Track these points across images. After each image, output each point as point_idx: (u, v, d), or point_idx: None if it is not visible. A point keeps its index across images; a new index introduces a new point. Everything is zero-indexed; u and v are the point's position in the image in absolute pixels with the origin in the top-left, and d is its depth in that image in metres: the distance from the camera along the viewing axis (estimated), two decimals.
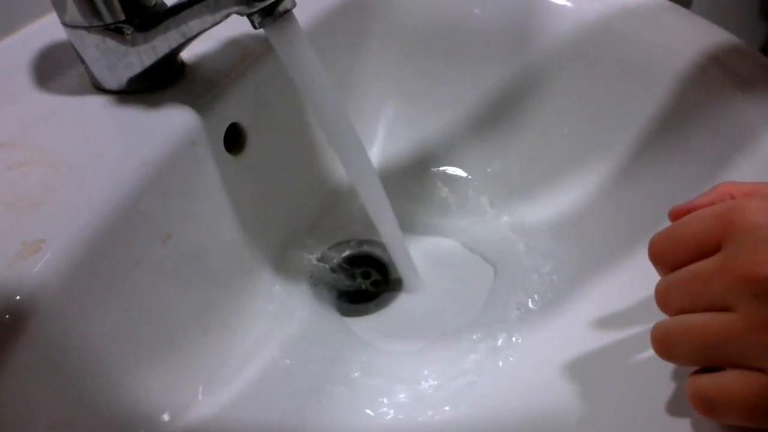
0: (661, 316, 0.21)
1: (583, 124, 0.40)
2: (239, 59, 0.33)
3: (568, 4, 0.40)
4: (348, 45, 0.42)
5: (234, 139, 0.33)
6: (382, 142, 0.45)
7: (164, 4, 0.29)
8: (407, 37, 0.43)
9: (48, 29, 0.33)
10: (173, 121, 0.28)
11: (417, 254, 0.39)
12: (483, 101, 0.43)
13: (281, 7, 0.24)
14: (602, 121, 0.39)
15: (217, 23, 0.25)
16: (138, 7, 0.27)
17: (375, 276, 0.40)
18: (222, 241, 0.33)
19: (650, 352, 0.21)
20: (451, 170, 0.44)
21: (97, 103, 0.29)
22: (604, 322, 0.31)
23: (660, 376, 0.24)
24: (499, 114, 0.43)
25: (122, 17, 0.27)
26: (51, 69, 0.31)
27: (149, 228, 0.27)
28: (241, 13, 0.24)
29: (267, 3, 0.24)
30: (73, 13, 0.27)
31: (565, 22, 0.40)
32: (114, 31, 0.27)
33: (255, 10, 0.24)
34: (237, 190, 0.33)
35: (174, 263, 0.29)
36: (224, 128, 0.31)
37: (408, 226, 0.41)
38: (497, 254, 0.39)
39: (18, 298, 0.21)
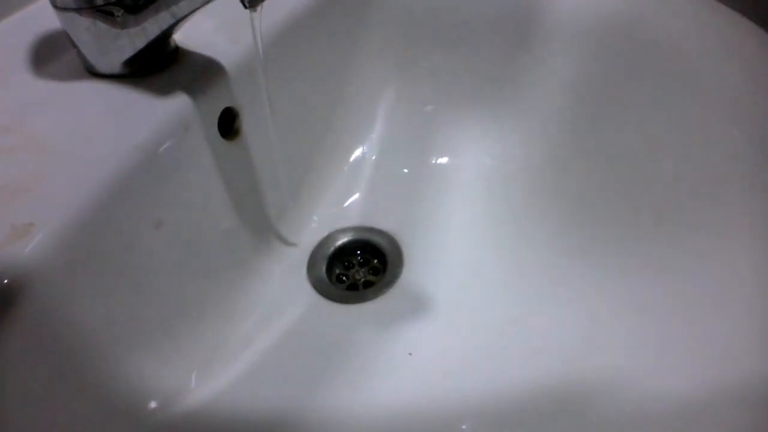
0: None
1: (588, 110, 0.39)
2: (232, 43, 0.32)
3: None
4: (348, 27, 0.41)
5: (229, 124, 0.33)
6: (383, 128, 0.44)
7: None
8: (408, 20, 0.43)
9: (40, 15, 0.32)
10: (165, 106, 0.28)
11: (414, 242, 0.38)
12: (483, 85, 0.43)
13: None
14: (608, 105, 0.38)
15: (207, 2, 0.25)
16: None
17: (373, 263, 0.40)
18: (217, 228, 0.33)
19: None
20: (450, 157, 0.43)
21: (89, 87, 0.29)
22: None
23: None
24: (501, 99, 0.42)
25: None
26: (44, 54, 0.31)
27: (141, 213, 0.27)
28: None
29: None
30: None
31: (566, 5, 0.39)
32: (105, 13, 0.27)
33: None
34: (232, 175, 0.33)
35: (167, 249, 0.28)
36: (218, 113, 0.31)
37: (402, 215, 0.41)
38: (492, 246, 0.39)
39: (6, 281, 0.20)
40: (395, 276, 0.38)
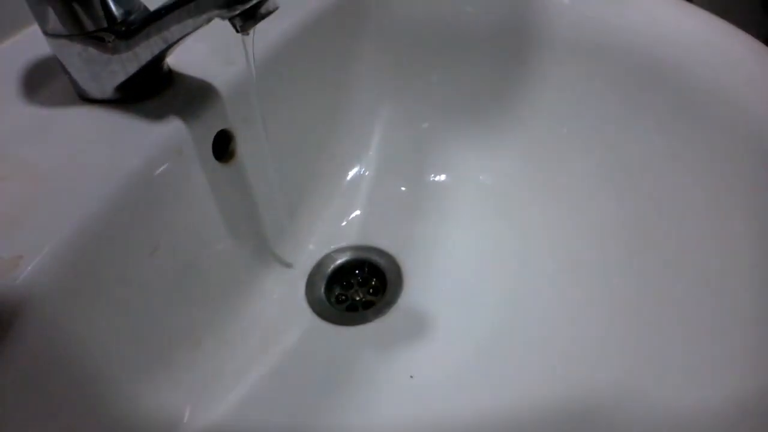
0: None
1: (584, 125, 0.39)
2: (226, 64, 0.32)
3: (565, 0, 0.39)
4: (341, 47, 0.41)
5: (224, 147, 0.32)
6: (378, 144, 0.44)
7: (147, 11, 0.28)
8: (401, 38, 0.43)
9: (31, 41, 0.32)
10: (158, 130, 0.28)
11: (413, 261, 0.38)
12: (479, 101, 0.43)
13: (263, 9, 0.23)
14: (605, 121, 0.38)
15: (198, 27, 0.25)
16: (119, 14, 0.26)
17: (373, 283, 0.39)
18: (213, 251, 0.32)
19: None
20: (447, 174, 0.43)
21: (81, 113, 0.29)
22: None
23: None
24: (499, 114, 0.42)
25: (104, 24, 0.26)
26: (35, 81, 0.31)
27: (135, 240, 0.26)
28: (222, 17, 0.24)
29: (248, 5, 0.23)
30: (54, 23, 0.26)
31: (562, 19, 0.39)
32: (95, 39, 0.26)
33: (236, 13, 0.23)
34: (228, 197, 0.32)
35: (163, 275, 0.28)
36: (212, 136, 0.31)
37: (400, 233, 0.40)
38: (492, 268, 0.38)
39: None
40: (395, 295, 0.37)
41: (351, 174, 0.43)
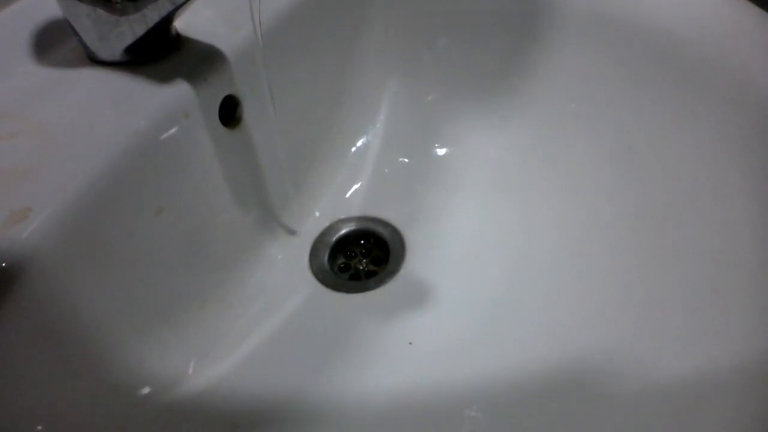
0: None
1: (593, 102, 0.39)
2: (233, 30, 0.32)
3: None
4: (349, 17, 0.41)
5: (230, 112, 0.33)
6: (385, 118, 0.44)
7: None
8: (410, 9, 0.42)
9: (43, 3, 0.32)
10: (165, 93, 0.28)
11: (417, 233, 0.38)
12: (488, 76, 0.42)
13: None
14: (613, 99, 0.37)
15: None
16: None
17: (376, 253, 0.39)
18: (218, 216, 0.33)
19: None
20: (454, 148, 0.43)
21: (90, 74, 0.29)
22: None
23: None
24: (507, 89, 0.42)
25: None
26: (46, 42, 0.31)
27: (140, 199, 0.27)
28: None
29: None
30: None
31: None
32: (105, 0, 0.27)
33: None
34: (233, 163, 0.33)
35: (168, 236, 0.29)
36: (219, 100, 0.31)
37: (405, 206, 0.40)
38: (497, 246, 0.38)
39: (4, 265, 0.21)
40: (397, 266, 0.38)
41: (357, 145, 0.43)
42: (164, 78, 0.29)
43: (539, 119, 0.41)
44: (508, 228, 0.39)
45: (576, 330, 0.30)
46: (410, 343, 0.32)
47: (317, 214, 0.40)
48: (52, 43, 0.31)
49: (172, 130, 0.28)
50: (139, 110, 0.27)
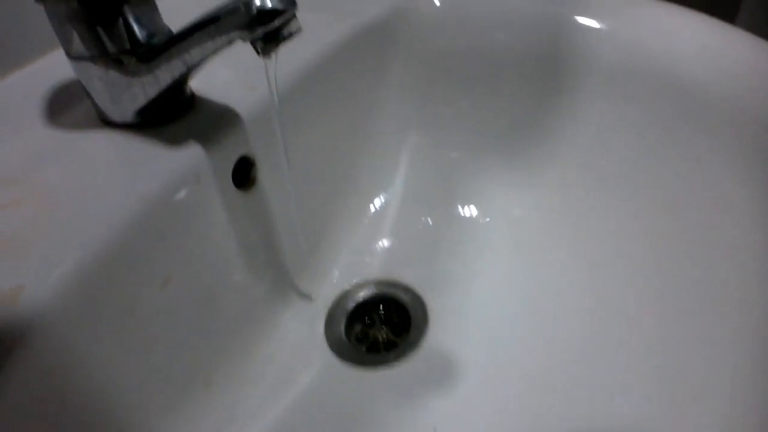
0: None
1: (621, 159, 0.36)
2: (249, 90, 0.31)
3: (603, 26, 0.37)
4: (368, 71, 0.40)
5: (245, 174, 0.31)
6: (405, 173, 0.42)
7: (170, 33, 0.28)
8: (430, 64, 0.41)
9: (57, 65, 0.32)
10: (177, 157, 0.27)
11: (439, 299, 0.36)
12: (510, 131, 0.41)
13: (285, 31, 0.22)
14: (642, 155, 0.35)
15: (219, 50, 0.24)
16: (143, 36, 0.26)
17: (396, 321, 0.37)
18: (228, 282, 0.31)
19: None
20: (477, 207, 0.41)
21: (101, 137, 0.28)
22: None
23: None
24: (528, 145, 0.40)
25: (126, 47, 0.26)
26: (59, 104, 0.30)
27: (146, 270, 0.25)
28: (243, 39, 0.23)
29: (270, 28, 0.22)
30: (77, 44, 0.26)
31: (601, 47, 0.37)
32: (117, 61, 0.26)
33: (257, 35, 0.22)
34: (246, 226, 0.31)
35: (173, 309, 0.26)
36: (232, 163, 0.29)
37: (426, 269, 0.38)
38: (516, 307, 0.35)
39: None
40: (419, 336, 0.35)
41: (376, 204, 0.41)
42: (176, 141, 0.27)
43: (567, 176, 0.39)
44: (537, 293, 0.36)
45: (616, 408, 0.27)
46: (435, 430, 0.28)
47: (333, 278, 0.38)
48: (66, 105, 0.30)
49: (183, 196, 0.26)
50: (149, 175, 0.26)
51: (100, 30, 0.25)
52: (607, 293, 0.34)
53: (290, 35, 0.22)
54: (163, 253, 0.26)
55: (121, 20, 0.25)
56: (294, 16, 0.22)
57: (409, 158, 0.42)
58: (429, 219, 0.41)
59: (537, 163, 0.40)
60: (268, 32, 0.22)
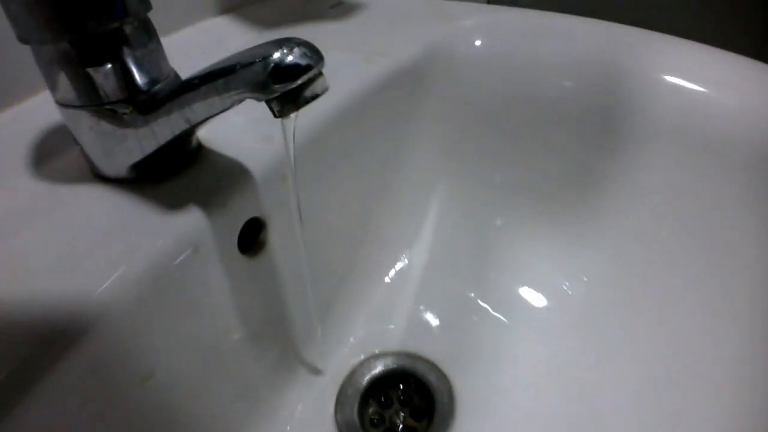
0: None
1: (681, 230, 0.32)
2: (263, 141, 0.27)
3: (674, 79, 0.32)
4: (398, 119, 0.36)
5: (252, 236, 0.27)
6: (432, 232, 0.38)
7: (177, 79, 0.24)
8: (466, 111, 0.37)
9: (47, 104, 0.29)
10: (174, 221, 0.23)
11: (468, 380, 0.31)
12: (554, 190, 0.36)
13: (309, 93, 0.18)
14: (706, 220, 0.31)
15: (226, 109, 0.20)
16: (144, 82, 0.22)
17: (417, 403, 0.32)
18: (226, 363, 0.26)
19: None
20: (513, 274, 0.36)
21: (89, 194, 0.24)
22: None
23: None
24: (577, 207, 0.36)
25: (122, 95, 0.22)
26: (47, 150, 0.27)
27: (123, 363, 0.21)
28: (258, 99, 0.19)
29: (289, 87, 0.18)
30: (66, 90, 0.22)
31: (666, 102, 0.33)
32: (111, 111, 0.22)
33: (274, 96, 0.18)
34: (250, 297, 0.27)
35: (154, 412, 0.22)
36: (239, 227, 0.26)
37: (454, 343, 0.34)
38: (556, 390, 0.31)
39: None
40: (445, 424, 0.30)
41: (398, 266, 0.37)
42: (176, 201, 0.24)
43: (619, 246, 0.34)
44: (579, 376, 0.31)
45: None
46: None
47: (346, 349, 0.34)
48: (54, 151, 0.27)
49: (176, 268, 0.22)
50: (139, 243, 0.22)
51: (92, 74, 0.21)
52: (658, 378, 0.29)
53: (314, 97, 0.19)
54: (145, 341, 0.22)
55: (118, 64, 0.22)
56: (320, 73, 0.19)
57: (437, 215, 0.38)
58: (458, 285, 0.36)
59: (584, 230, 0.35)
60: (287, 92, 0.18)
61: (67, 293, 0.19)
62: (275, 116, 0.19)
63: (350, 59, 0.35)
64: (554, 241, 0.36)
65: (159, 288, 0.22)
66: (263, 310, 0.28)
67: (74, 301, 0.19)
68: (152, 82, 0.23)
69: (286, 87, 0.18)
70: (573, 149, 0.35)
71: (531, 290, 0.35)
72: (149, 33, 0.23)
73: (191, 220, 0.23)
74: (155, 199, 0.24)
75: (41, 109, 0.28)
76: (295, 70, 0.18)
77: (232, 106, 0.20)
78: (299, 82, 0.18)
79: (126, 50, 0.22)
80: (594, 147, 0.35)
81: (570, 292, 0.34)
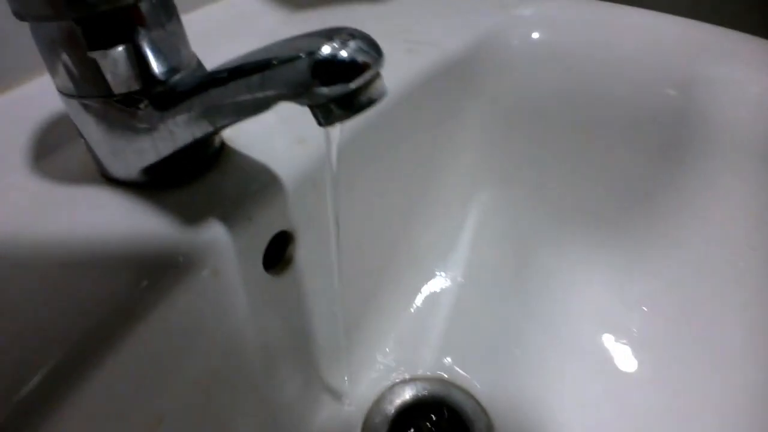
0: None
1: (755, 253, 0.28)
2: (296, 143, 0.24)
3: (760, 87, 0.28)
4: (441, 119, 0.33)
5: (278, 252, 0.24)
6: (470, 245, 0.35)
7: (200, 69, 0.20)
8: (518, 112, 0.34)
9: (50, 88, 0.25)
10: (190, 237, 0.19)
11: (505, 417, 0.28)
12: (612, 206, 0.33)
13: (364, 97, 0.15)
14: None
15: (260, 112, 0.16)
16: (161, 71, 0.19)
17: None
18: (246, 395, 0.23)
19: None
20: (560, 296, 0.33)
21: (92, 198, 0.21)
22: None
23: None
24: (633, 225, 0.32)
25: (135, 86, 0.18)
26: (48, 144, 0.23)
27: (129, 412, 0.18)
28: (300, 103, 0.15)
29: (341, 92, 0.14)
30: (68, 78, 0.18)
31: (750, 113, 0.28)
32: (121, 103, 0.19)
33: (320, 98, 0.15)
34: (272, 320, 0.24)
35: None
36: (265, 244, 0.22)
37: (493, 370, 0.30)
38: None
39: None
40: None
41: (432, 282, 0.33)
42: (193, 212, 0.20)
43: (683, 270, 0.30)
44: (632, 417, 0.28)
45: None
46: None
47: (375, 372, 0.30)
48: (56, 145, 0.23)
49: (190, 298, 0.19)
50: (146, 263, 0.19)
51: (100, 59, 0.18)
52: (725, 420, 0.26)
53: (369, 104, 0.15)
54: (152, 386, 0.18)
55: (131, 47, 0.18)
56: (378, 74, 0.15)
57: (477, 226, 0.34)
58: (498, 305, 0.33)
59: (643, 250, 0.31)
60: (337, 97, 0.14)
61: (47, 332, 0.16)
62: (320, 124, 0.16)
63: (391, 48, 0.31)
64: (609, 265, 0.32)
65: (164, 319, 0.18)
66: (286, 334, 0.25)
67: (59, 342, 0.16)
68: (171, 71, 0.19)
69: (336, 91, 0.14)
70: (636, 160, 0.31)
71: (580, 314, 0.32)
72: (169, 11, 0.19)
73: (211, 235, 0.20)
74: (171, 209, 0.20)
75: (44, 92, 0.25)
76: (349, 69, 0.14)
77: (267, 109, 0.16)
78: (353, 86, 0.14)
79: (141, 31, 0.18)
80: (661, 159, 0.31)
81: (627, 324, 0.31)
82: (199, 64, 0.21)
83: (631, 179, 0.32)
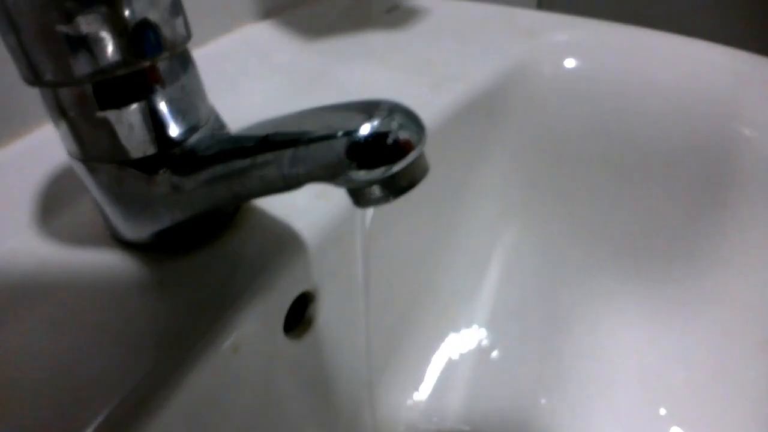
0: None
1: None
2: (317, 197, 0.22)
3: None
4: (465, 154, 0.31)
5: (297, 313, 0.22)
6: (497, 277, 0.33)
7: (219, 126, 0.19)
8: (548, 146, 0.32)
9: (57, 138, 0.24)
10: (206, 305, 0.18)
11: None
12: (648, 247, 0.31)
13: (405, 181, 0.13)
14: None
15: (290, 189, 0.15)
16: (179, 133, 0.17)
17: None
18: None
19: None
20: (593, 346, 0.31)
21: (99, 262, 0.19)
22: None
23: None
24: (673, 270, 0.30)
25: (151, 150, 0.17)
26: (55, 199, 0.22)
27: None
28: (336, 184, 0.14)
29: (383, 175, 0.13)
30: (76, 141, 0.17)
31: None
32: (137, 168, 0.17)
33: (359, 182, 0.13)
34: (291, 386, 0.22)
35: None
36: (286, 308, 0.21)
37: (529, 426, 0.29)
38: None
39: None
40: None
41: (456, 328, 0.32)
42: (209, 280, 0.19)
43: (728, 323, 0.28)
44: None
45: None
46: None
47: (401, 426, 0.29)
48: (64, 200, 0.22)
49: (209, 372, 0.17)
50: (153, 341, 0.17)
51: (113, 121, 0.16)
52: None
53: (411, 186, 0.13)
54: None
55: (147, 108, 0.17)
56: (421, 154, 0.13)
57: (503, 267, 0.33)
58: (529, 354, 0.31)
59: (680, 293, 0.30)
60: (377, 181, 0.13)
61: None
62: (356, 205, 0.14)
63: (415, 83, 0.29)
64: (643, 308, 0.30)
65: (180, 404, 0.17)
66: (306, 399, 0.23)
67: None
68: (189, 130, 0.18)
69: (376, 175, 0.13)
70: (674, 200, 0.30)
71: (614, 365, 0.30)
72: (185, 64, 0.18)
73: (230, 306, 0.18)
74: (184, 275, 0.19)
75: (51, 141, 0.23)
76: (392, 151, 0.13)
77: (297, 187, 0.15)
78: (396, 169, 0.13)
79: (158, 90, 0.17)
80: (700, 198, 0.29)
81: (662, 371, 0.29)
82: (217, 120, 0.19)
83: (666, 218, 0.30)
